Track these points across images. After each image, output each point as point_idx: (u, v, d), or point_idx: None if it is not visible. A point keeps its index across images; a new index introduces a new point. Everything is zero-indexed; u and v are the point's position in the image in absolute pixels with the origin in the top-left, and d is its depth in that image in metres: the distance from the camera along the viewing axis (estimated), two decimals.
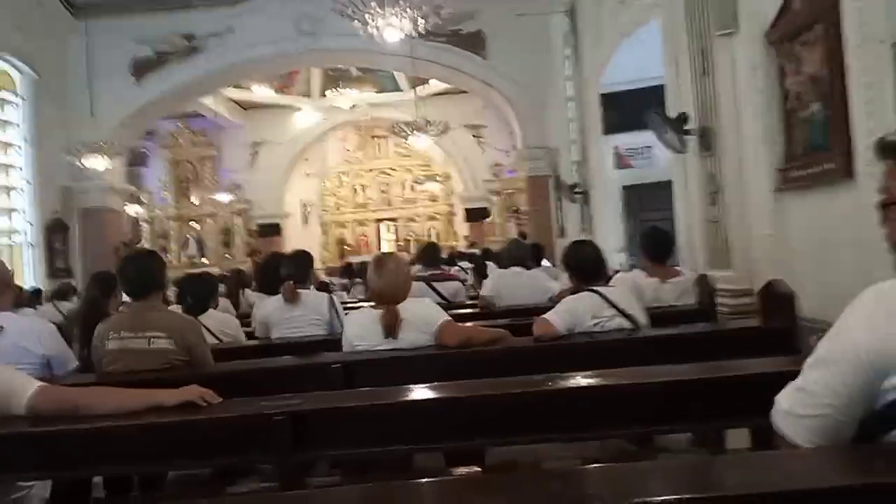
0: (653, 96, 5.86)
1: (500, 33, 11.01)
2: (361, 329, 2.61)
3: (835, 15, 3.20)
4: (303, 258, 3.69)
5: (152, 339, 2.53)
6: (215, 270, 13.50)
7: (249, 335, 3.68)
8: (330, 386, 2.38)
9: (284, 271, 3.51)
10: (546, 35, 9.98)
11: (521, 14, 9.63)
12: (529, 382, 1.79)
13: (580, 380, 1.77)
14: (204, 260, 16.29)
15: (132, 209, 14.95)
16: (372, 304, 2.73)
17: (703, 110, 4.57)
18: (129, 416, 1.73)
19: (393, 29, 5.47)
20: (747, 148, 4.14)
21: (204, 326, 3.34)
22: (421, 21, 5.50)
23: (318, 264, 17.24)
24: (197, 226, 16.69)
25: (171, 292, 4.46)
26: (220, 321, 3.46)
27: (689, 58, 4.71)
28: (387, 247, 18.10)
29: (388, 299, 2.57)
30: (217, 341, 3.39)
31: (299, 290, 3.40)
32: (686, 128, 4.69)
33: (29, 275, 10.55)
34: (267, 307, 3.51)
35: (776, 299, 2.30)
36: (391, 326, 2.51)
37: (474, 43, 11.11)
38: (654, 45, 5.55)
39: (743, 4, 4.09)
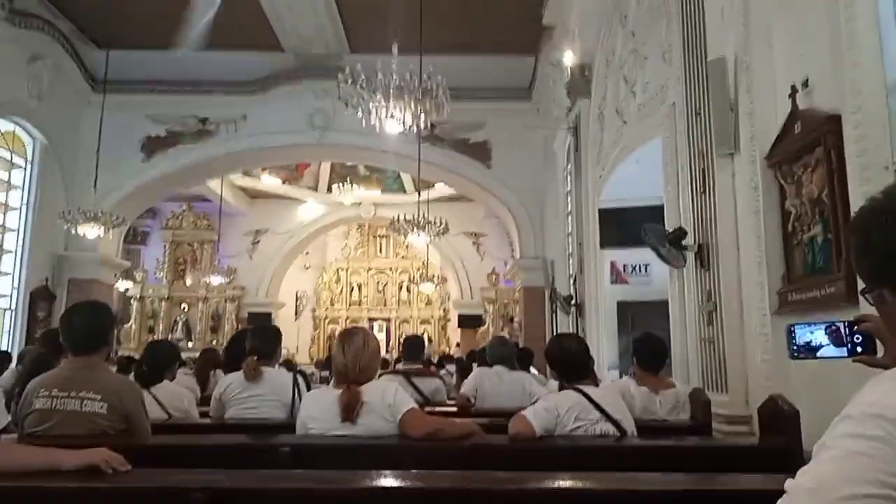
0: (652, 215, 5.83)
1: (505, 145, 11.29)
2: (316, 409, 2.34)
3: (836, 139, 3.16)
4: (269, 332, 3.44)
5: (85, 401, 2.26)
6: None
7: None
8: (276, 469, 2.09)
9: (248, 345, 3.26)
10: (550, 151, 10.19)
11: (527, 126, 9.89)
12: (499, 479, 1.52)
13: (555, 482, 1.51)
14: (190, 344, 15.89)
15: (123, 285, 14.74)
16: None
17: (701, 227, 4.50)
18: (16, 477, 1.45)
19: (395, 122, 5.53)
20: (746, 267, 4.02)
21: (154, 398, 3.08)
22: (423, 116, 5.56)
23: (305, 359, 16.96)
24: (187, 308, 16.42)
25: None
26: (172, 394, 3.18)
27: (688, 176, 4.71)
28: None
29: (350, 378, 2.32)
30: (166, 416, 3.10)
31: (262, 368, 3.13)
32: (683, 243, 4.60)
33: (6, 342, 10.20)
34: (224, 382, 3.23)
35: (778, 417, 2.06)
36: (350, 409, 2.24)
37: (480, 152, 11.37)
38: (653, 164, 5.58)
39: (744, 126, 4.10)
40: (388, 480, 1.50)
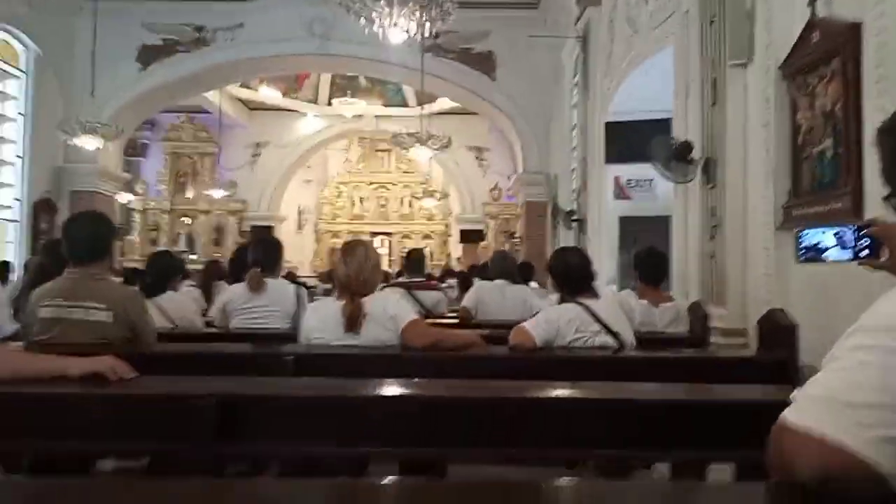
0: (659, 128, 5.72)
1: (510, 56, 10.93)
2: (320, 321, 2.36)
3: (854, 49, 3.04)
4: (271, 244, 3.44)
5: (90, 310, 2.28)
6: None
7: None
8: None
9: (251, 257, 3.27)
10: (556, 61, 9.89)
11: (532, 36, 9.55)
12: (498, 388, 1.54)
13: (553, 391, 1.53)
14: (193, 256, 16.03)
15: (125, 197, 14.70)
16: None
17: (709, 142, 4.42)
18: (24, 383, 1.47)
19: (398, 30, 5.31)
20: (752, 182, 3.97)
21: (159, 308, 3.12)
22: (427, 25, 5.34)
23: (307, 272, 17.15)
24: (189, 221, 16.45)
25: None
26: (177, 304, 3.22)
27: (699, 87, 4.58)
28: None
29: (353, 290, 2.33)
30: (172, 326, 3.15)
31: (265, 279, 3.15)
32: (690, 157, 4.53)
33: (11, 253, 10.28)
34: (228, 294, 3.27)
35: (776, 330, 2.08)
36: (353, 320, 2.27)
37: (484, 63, 11.02)
38: (663, 77, 5.42)
39: (759, 35, 3.95)
40: (389, 389, 1.53)
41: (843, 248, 1.27)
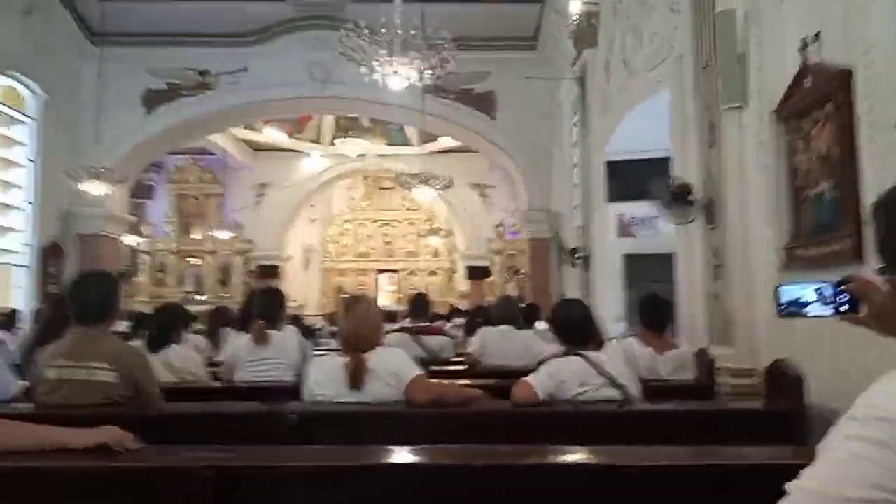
0: (658, 167, 5.76)
1: (510, 96, 11.09)
2: (323, 376, 2.36)
3: (846, 95, 3.08)
4: (274, 296, 3.46)
5: (94, 370, 2.29)
6: (208, 308, 13.29)
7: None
8: (284, 438, 2.13)
9: (255, 310, 3.29)
10: (555, 101, 10.02)
11: (531, 77, 9.69)
12: (498, 454, 1.53)
13: (556, 456, 1.52)
14: (200, 296, 16.05)
15: (132, 239, 14.80)
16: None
17: (708, 182, 4.45)
18: (28, 456, 1.47)
19: (398, 78, 5.41)
20: (753, 223, 3.98)
21: (164, 362, 3.12)
22: (427, 73, 5.44)
23: (314, 311, 17.14)
24: (197, 261, 16.52)
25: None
26: (181, 358, 3.22)
27: (696, 130, 4.63)
28: (385, 298, 17.89)
29: (355, 346, 2.34)
30: (177, 380, 3.15)
31: (269, 332, 3.16)
32: (690, 198, 4.56)
33: (20, 297, 10.32)
34: (233, 346, 3.28)
35: (782, 381, 2.06)
36: (356, 376, 2.27)
37: (485, 103, 11.18)
38: (661, 117, 5.48)
39: (753, 79, 4.01)
40: (392, 457, 1.52)
41: (824, 303, 1.28)
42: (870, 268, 2.73)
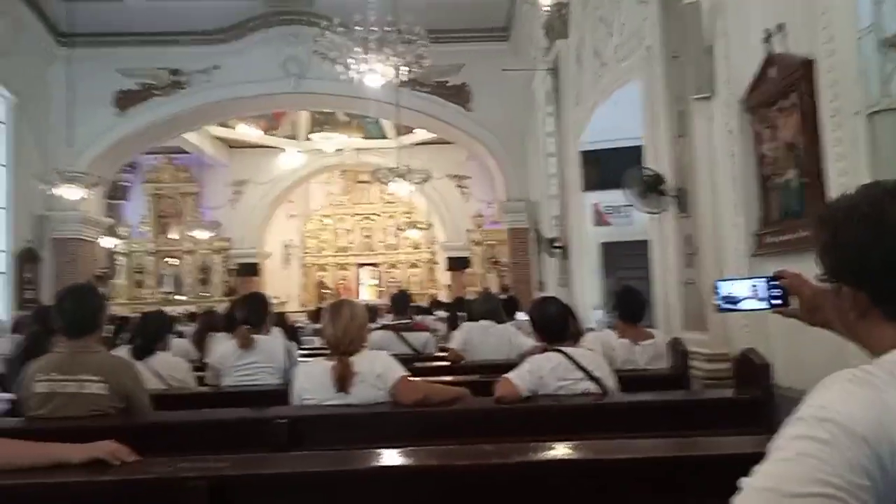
0: (632, 156, 5.84)
1: (484, 87, 11.13)
2: (310, 381, 2.42)
3: (809, 85, 3.17)
4: (257, 301, 3.50)
5: (84, 383, 2.32)
6: (188, 308, 13.23)
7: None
8: (274, 443, 2.18)
9: (239, 315, 3.33)
10: (529, 91, 10.08)
11: (505, 70, 9.73)
12: (481, 452, 1.60)
13: (539, 453, 1.60)
14: (180, 297, 15.95)
15: (108, 241, 14.64)
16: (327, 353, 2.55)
17: (680, 172, 4.52)
18: (27, 472, 1.51)
19: (374, 75, 5.42)
20: (724, 211, 4.07)
21: (151, 370, 3.15)
22: (403, 69, 5.47)
23: (295, 306, 17.10)
24: (175, 262, 16.39)
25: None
26: (168, 365, 3.25)
27: (666, 119, 4.70)
28: (366, 292, 17.91)
29: (341, 350, 2.39)
30: (165, 387, 3.18)
31: (254, 336, 3.20)
32: (661, 188, 4.64)
33: None
34: (219, 352, 3.31)
35: (751, 369, 2.16)
36: (343, 380, 2.32)
37: (459, 95, 11.21)
38: (633, 107, 5.55)
39: (720, 70, 4.09)
40: (380, 459, 1.59)
41: (758, 299, 1.37)
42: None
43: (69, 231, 11.11)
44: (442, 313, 7.54)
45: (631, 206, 7.13)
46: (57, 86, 10.72)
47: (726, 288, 1.40)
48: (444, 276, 17.26)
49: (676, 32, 4.50)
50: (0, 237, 10.34)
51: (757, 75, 3.57)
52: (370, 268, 18.39)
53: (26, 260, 10.60)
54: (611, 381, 2.49)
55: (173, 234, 16.41)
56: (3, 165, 10.32)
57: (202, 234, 15.26)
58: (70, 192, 9.41)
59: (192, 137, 14.37)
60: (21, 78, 10.24)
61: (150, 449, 1.72)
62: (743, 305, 1.38)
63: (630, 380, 2.82)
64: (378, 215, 18.39)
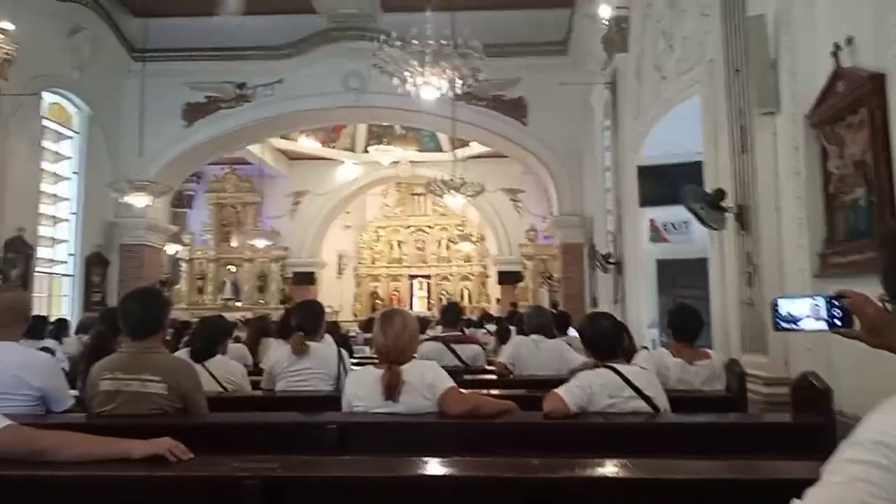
0: (691, 172, 5.74)
1: (541, 101, 11.12)
2: (361, 388, 2.46)
3: (880, 99, 3.06)
4: (313, 308, 3.58)
5: (146, 383, 2.42)
6: (246, 314, 13.59)
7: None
8: (324, 447, 2.23)
9: (294, 321, 3.41)
10: (587, 106, 10.02)
11: (563, 84, 9.71)
12: (528, 467, 1.60)
13: (587, 469, 1.58)
14: (238, 303, 16.41)
15: (172, 248, 15.20)
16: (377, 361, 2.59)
17: (741, 188, 4.42)
18: (91, 465, 1.60)
19: (430, 88, 5.50)
20: (787, 229, 3.96)
21: (209, 373, 3.25)
22: (459, 82, 5.53)
23: (348, 316, 17.36)
24: (234, 269, 16.88)
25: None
26: (225, 368, 3.35)
27: (728, 135, 4.61)
28: (418, 303, 18.01)
29: (391, 359, 2.43)
30: (221, 389, 3.28)
31: (308, 343, 3.27)
32: (722, 204, 4.54)
33: (66, 306, 10.71)
34: (274, 357, 3.40)
35: (811, 393, 2.08)
36: (392, 388, 2.35)
37: (516, 109, 11.23)
38: (693, 122, 5.47)
39: (785, 84, 3.99)
40: (425, 468, 1.60)
41: (817, 318, 1.32)
42: None
43: (136, 237, 11.60)
44: (492, 327, 7.52)
45: (688, 222, 7.04)
46: (130, 98, 11.26)
47: (786, 306, 1.36)
48: (495, 290, 17.23)
49: (739, 46, 4.42)
50: (71, 242, 10.89)
51: (824, 90, 3.47)
52: (422, 279, 18.50)
53: (94, 264, 11.12)
54: (663, 401, 2.44)
55: (234, 243, 16.91)
56: (76, 173, 10.89)
57: (261, 243, 15.67)
58: (138, 200, 9.83)
59: (254, 149, 14.84)
60: (97, 90, 10.81)
61: (205, 448, 1.78)
62: (802, 325, 1.34)
63: (683, 400, 2.76)
64: (431, 227, 18.52)
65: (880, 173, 3.08)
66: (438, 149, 16.01)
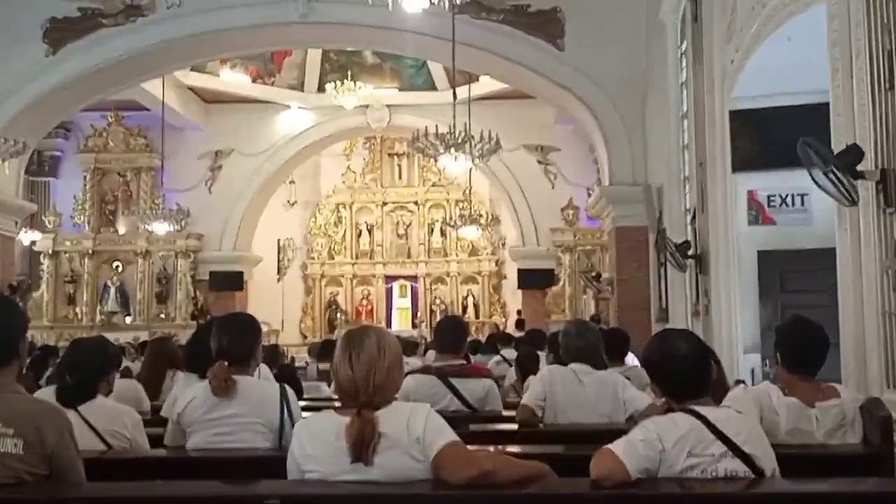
0: (810, 119, 5.77)
1: (585, 15, 11.12)
2: (315, 445, 2.45)
3: None
4: (241, 326, 3.55)
5: None
6: (139, 335, 13.59)
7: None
8: None
9: (214, 345, 3.39)
10: (654, 22, 10.03)
11: None
12: None
13: None
14: (127, 319, 16.44)
15: (28, 237, 15.18)
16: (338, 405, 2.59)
17: (886, 144, 4.46)
18: None
19: None
20: None
21: (86, 421, 3.25)
22: None
23: (294, 337, 17.38)
24: (121, 268, 16.87)
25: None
26: (109, 415, 3.34)
27: (867, 64, 4.64)
28: (399, 318, 18.08)
29: (361, 400, 2.42)
30: (104, 447, 3.28)
31: (235, 378, 3.27)
32: (859, 168, 4.58)
33: None
34: (184, 399, 3.39)
35: None
36: (362, 445, 2.34)
37: (547, 26, 11.23)
38: (815, 44, 5.50)
39: None
40: None
41: None
42: None
43: None
44: (510, 353, 7.56)
45: (807, 194, 7.09)
46: None
47: None
48: (514, 298, 17.27)
49: None
50: None
51: None
52: (405, 282, 18.54)
53: None
54: (768, 461, 2.45)
55: (121, 228, 16.90)
56: None
57: (162, 229, 15.61)
58: None
59: (152, 88, 14.76)
60: None
61: None
62: None
63: (800, 459, 2.78)
64: (419, 205, 18.55)
65: None
66: (431, 87, 16.01)
